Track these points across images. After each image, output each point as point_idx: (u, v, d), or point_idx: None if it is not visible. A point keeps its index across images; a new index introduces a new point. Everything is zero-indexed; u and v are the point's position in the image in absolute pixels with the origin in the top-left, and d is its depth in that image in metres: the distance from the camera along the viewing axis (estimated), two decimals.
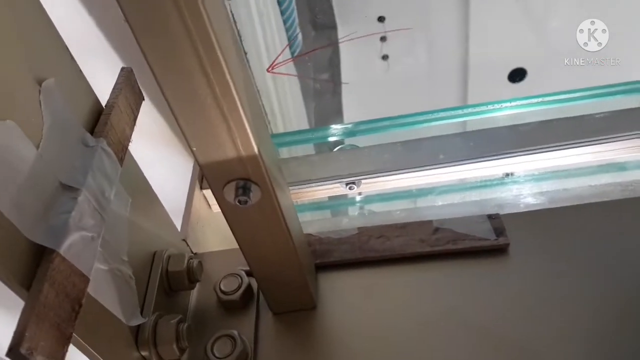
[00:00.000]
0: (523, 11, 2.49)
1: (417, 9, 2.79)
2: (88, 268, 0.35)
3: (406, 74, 2.92)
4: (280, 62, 0.92)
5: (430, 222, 0.52)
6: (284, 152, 1.04)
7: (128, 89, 0.44)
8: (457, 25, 2.77)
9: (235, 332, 0.46)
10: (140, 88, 0.46)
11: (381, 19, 2.96)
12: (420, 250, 0.50)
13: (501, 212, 0.61)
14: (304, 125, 1.78)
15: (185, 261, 0.47)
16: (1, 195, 0.29)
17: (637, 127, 0.51)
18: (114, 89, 0.43)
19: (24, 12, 0.35)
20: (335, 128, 0.62)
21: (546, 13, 2.43)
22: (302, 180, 0.57)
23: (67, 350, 0.32)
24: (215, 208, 0.63)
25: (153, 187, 0.50)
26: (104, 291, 0.39)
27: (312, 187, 0.57)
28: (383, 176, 0.55)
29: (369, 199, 0.82)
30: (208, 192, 0.62)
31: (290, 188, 0.57)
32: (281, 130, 1.27)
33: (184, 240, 0.54)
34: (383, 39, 3.01)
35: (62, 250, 0.32)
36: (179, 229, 0.57)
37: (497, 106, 0.58)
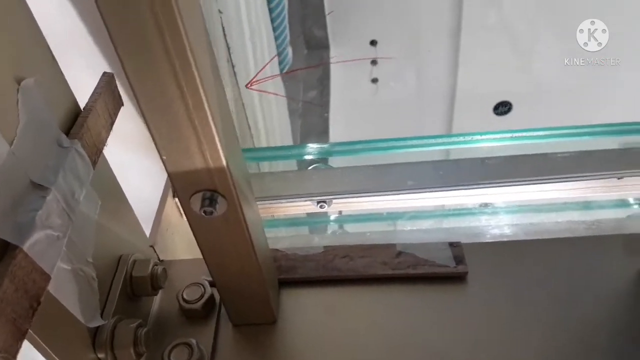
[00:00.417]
0: (511, 47, 2.55)
1: (409, 35, 2.85)
2: (50, 266, 0.36)
3: (394, 98, 2.96)
4: (259, 79, 0.94)
5: (394, 245, 0.54)
6: (265, 166, 1.05)
7: (108, 93, 0.45)
8: (447, 55, 2.83)
9: (194, 341, 0.47)
10: (122, 93, 0.47)
11: (373, 43, 3.01)
12: (382, 273, 0.52)
13: (467, 241, 0.63)
14: (288, 140, 1.80)
15: (150, 267, 0.48)
16: None
17: (596, 169, 0.53)
18: (93, 92, 0.44)
19: (8, 10, 0.36)
20: (312, 147, 0.63)
21: (532, 50, 2.49)
22: (275, 195, 0.58)
23: (20, 346, 0.33)
24: None
25: (127, 191, 0.51)
26: (65, 291, 0.39)
27: (284, 203, 0.58)
28: (353, 197, 0.56)
29: (343, 219, 0.83)
30: None
31: (263, 202, 0.58)
32: (264, 144, 1.28)
33: (151, 246, 0.54)
34: (374, 62, 3.06)
35: (26, 247, 0.33)
36: (148, 235, 0.57)
37: (467, 138, 0.60)
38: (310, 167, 0.64)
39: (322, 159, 0.63)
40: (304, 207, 0.59)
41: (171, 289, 0.52)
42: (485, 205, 0.77)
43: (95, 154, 0.43)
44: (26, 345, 0.34)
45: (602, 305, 0.50)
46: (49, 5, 0.55)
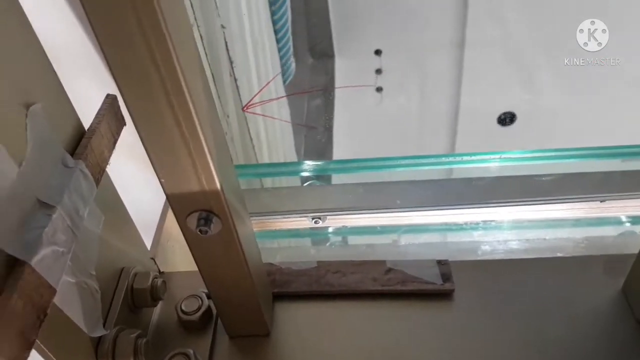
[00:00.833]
0: (515, 60, 2.57)
1: (414, 45, 2.87)
2: (56, 280, 0.38)
3: (398, 106, 2.99)
4: (256, 103, 0.96)
5: (384, 262, 0.56)
6: (267, 181, 1.07)
7: (111, 115, 0.47)
8: (451, 65, 2.85)
9: (191, 351, 0.49)
10: (125, 112, 0.50)
11: (378, 52, 3.04)
12: (372, 289, 0.54)
13: (460, 257, 0.65)
14: (291, 151, 1.82)
15: (150, 280, 0.50)
16: None
17: (579, 192, 0.55)
18: (97, 114, 0.46)
19: (15, 37, 0.39)
20: (309, 164, 0.66)
21: (535, 62, 2.51)
22: (271, 211, 0.60)
23: (28, 355, 0.35)
24: None
25: (129, 202, 0.54)
26: (70, 302, 0.42)
27: (280, 218, 0.60)
28: (345, 214, 0.58)
29: (341, 232, 0.85)
30: None
31: (259, 218, 0.61)
32: (266, 157, 1.31)
33: (152, 258, 0.57)
34: (378, 71, 3.08)
35: (33, 262, 0.36)
36: (149, 247, 0.60)
37: (458, 158, 0.62)
38: (305, 184, 0.67)
39: (321, 175, 0.65)
40: (299, 222, 0.61)
41: (170, 300, 0.54)
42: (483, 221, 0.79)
43: (99, 173, 0.45)
44: (32, 353, 0.37)
45: (585, 323, 0.52)
46: (56, 25, 0.58)
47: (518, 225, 0.75)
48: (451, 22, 2.64)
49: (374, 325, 0.52)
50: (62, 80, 0.45)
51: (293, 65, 1.64)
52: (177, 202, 0.39)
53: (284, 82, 1.58)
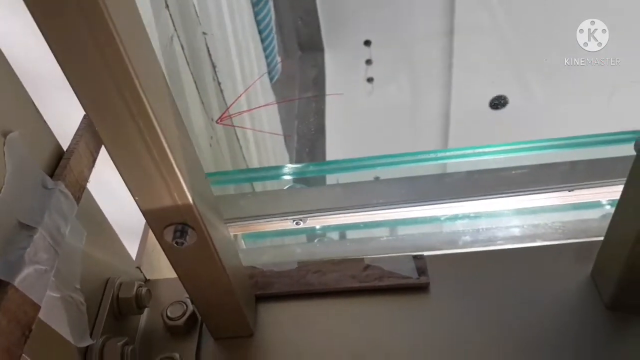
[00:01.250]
0: (504, 45, 2.58)
1: (403, 35, 2.88)
2: (40, 297, 0.40)
3: (390, 96, 3.00)
4: (232, 114, 0.98)
5: (362, 259, 0.58)
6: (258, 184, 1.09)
7: (89, 134, 0.49)
8: (441, 52, 2.86)
9: (177, 355, 0.51)
10: None
11: (367, 43, 3.05)
12: (351, 286, 0.56)
13: (440, 247, 0.67)
14: (282, 150, 1.83)
15: (135, 288, 0.52)
16: None
17: (547, 183, 0.57)
18: (75, 135, 0.48)
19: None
20: (288, 167, 0.67)
21: (525, 48, 2.52)
22: (253, 215, 0.62)
23: None
24: None
25: (115, 212, 0.55)
26: (55, 316, 0.44)
27: (262, 222, 0.62)
28: (324, 215, 0.60)
29: (325, 229, 0.87)
30: None
31: (242, 223, 0.63)
32: (255, 159, 1.32)
33: (138, 267, 0.59)
34: (368, 62, 3.10)
35: (16, 282, 0.38)
36: (134, 254, 0.62)
37: (432, 155, 0.64)
38: (286, 187, 0.69)
39: (303, 178, 0.67)
40: (281, 224, 0.63)
41: (156, 307, 0.56)
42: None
43: (79, 191, 0.47)
44: None
45: (557, 310, 0.54)
46: (29, 48, 0.59)
47: (495, 214, 0.77)
48: (439, 10, 2.65)
49: (354, 321, 0.55)
50: (40, 101, 0.46)
51: (279, 64, 1.65)
52: (152, 217, 0.41)
53: (271, 80, 1.60)
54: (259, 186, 0.94)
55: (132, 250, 0.63)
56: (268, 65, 1.53)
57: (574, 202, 0.61)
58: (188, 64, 0.91)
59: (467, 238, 0.76)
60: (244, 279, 0.55)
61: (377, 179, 0.70)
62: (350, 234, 0.86)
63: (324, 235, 0.88)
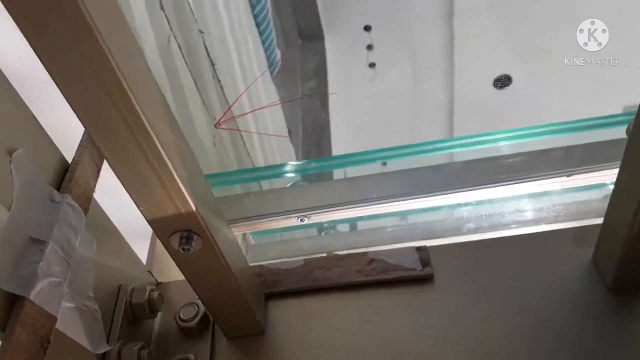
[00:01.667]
0: (505, 24, 2.56)
1: (403, 19, 2.87)
2: (56, 309, 0.41)
3: (392, 81, 2.99)
4: (234, 116, 0.98)
5: (366, 253, 0.59)
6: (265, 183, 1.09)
7: (92, 146, 0.50)
8: (442, 33, 2.85)
9: (192, 356, 0.53)
10: None
11: (367, 28, 3.04)
12: (356, 280, 0.57)
13: (443, 235, 0.68)
14: (286, 144, 1.83)
15: (147, 293, 0.54)
16: None
17: (545, 169, 0.57)
18: (78, 147, 0.49)
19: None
20: (291, 165, 0.68)
21: (526, 26, 2.50)
22: (257, 215, 0.63)
23: None
24: None
25: (122, 216, 0.57)
26: (72, 326, 0.45)
27: (266, 222, 0.63)
28: (327, 212, 0.61)
29: (331, 222, 0.89)
30: None
31: (246, 223, 0.64)
32: (260, 155, 1.33)
33: (149, 271, 0.60)
34: (369, 47, 3.09)
35: (32, 296, 0.39)
36: (144, 258, 0.63)
37: (430, 146, 0.64)
38: (288, 185, 0.70)
39: (306, 175, 0.68)
40: (286, 222, 0.65)
41: (169, 310, 0.58)
42: None
43: (86, 202, 0.49)
44: None
45: (560, 294, 0.55)
46: (23, 58, 0.60)
47: (498, 200, 0.77)
48: None
49: (360, 314, 0.56)
50: (39, 113, 0.48)
51: (278, 55, 1.66)
52: (157, 226, 0.43)
53: (271, 73, 1.60)
54: (265, 184, 0.95)
55: (142, 254, 0.64)
56: (267, 58, 1.53)
57: (573, 186, 0.62)
58: (186, 64, 0.92)
59: (471, 225, 0.77)
60: (252, 279, 0.56)
61: (384, 164, 0.70)
62: (360, 224, 0.87)
63: (331, 228, 0.89)
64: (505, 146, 0.68)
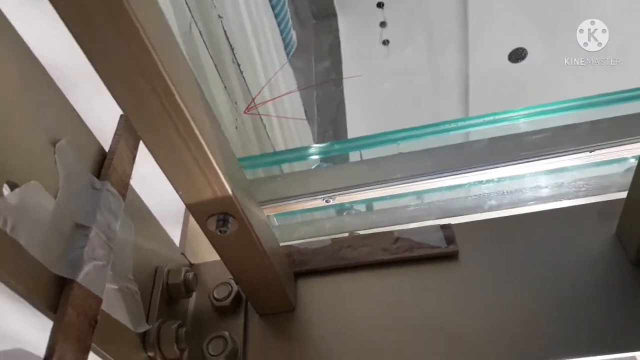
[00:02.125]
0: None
1: None
2: (101, 290, 0.44)
3: (407, 58, 2.97)
4: (256, 104, 1.00)
5: (392, 232, 0.60)
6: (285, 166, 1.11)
7: (127, 133, 0.52)
8: (456, 7, 2.82)
9: (227, 333, 0.55)
10: None
11: (380, 5, 3.02)
12: (383, 258, 0.59)
13: (466, 212, 0.70)
14: (302, 123, 1.85)
15: (182, 274, 0.56)
16: (32, 243, 0.38)
17: (567, 146, 0.58)
18: (114, 135, 0.51)
19: (38, 87, 0.44)
20: (314, 147, 0.70)
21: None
22: (284, 197, 0.65)
23: (87, 357, 0.41)
24: None
25: (155, 201, 0.59)
26: (115, 306, 0.48)
27: (293, 203, 0.65)
28: (352, 192, 0.63)
29: (354, 202, 0.90)
30: None
31: (274, 204, 0.66)
32: (277, 132, 1.35)
33: (182, 253, 0.63)
34: (383, 24, 3.06)
35: (80, 279, 0.41)
36: (177, 242, 0.66)
37: (453, 125, 0.65)
38: (313, 167, 0.71)
39: (330, 157, 0.70)
40: (312, 203, 0.66)
41: (203, 290, 0.60)
42: None
43: (124, 188, 0.51)
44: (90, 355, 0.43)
45: (584, 269, 0.57)
46: (63, 49, 0.62)
47: (519, 176, 0.78)
48: None
49: (387, 291, 0.58)
50: (76, 103, 0.49)
51: (294, 37, 1.66)
52: (196, 210, 0.44)
53: (287, 55, 1.61)
54: (286, 167, 0.97)
55: (174, 236, 0.67)
56: (283, 40, 1.54)
57: (595, 161, 0.62)
58: (208, 49, 0.93)
59: (493, 202, 0.78)
60: (283, 258, 0.58)
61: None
62: (378, 205, 0.89)
63: (351, 208, 0.91)
64: (523, 123, 0.69)
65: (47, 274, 0.40)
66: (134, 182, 0.56)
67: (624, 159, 0.87)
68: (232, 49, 1.05)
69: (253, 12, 1.25)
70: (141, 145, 0.55)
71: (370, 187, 0.62)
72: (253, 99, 0.98)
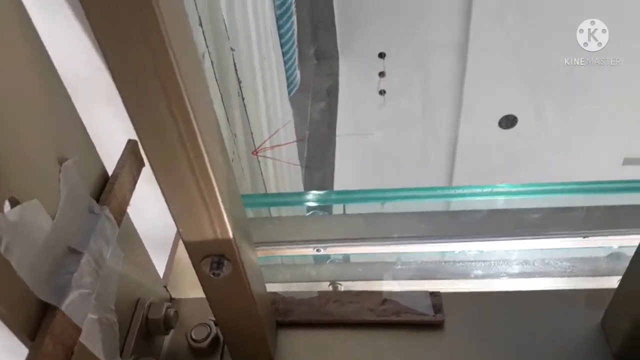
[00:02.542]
0: (516, 64, 2.60)
1: (417, 49, 2.91)
2: (82, 320, 0.42)
3: (401, 110, 3.03)
4: (257, 148, 1.00)
5: (380, 293, 0.60)
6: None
7: (132, 159, 0.51)
8: (454, 69, 2.89)
9: None
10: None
11: (382, 55, 3.08)
12: (368, 319, 0.58)
13: (453, 278, 0.69)
14: (293, 153, 1.85)
15: (164, 310, 0.54)
16: (23, 264, 0.37)
17: (563, 229, 0.59)
18: (119, 160, 0.50)
19: (56, 102, 0.43)
20: (313, 194, 0.70)
21: (537, 66, 2.55)
22: (277, 241, 0.64)
23: None
24: None
25: (145, 221, 0.57)
26: (92, 337, 0.46)
27: (284, 248, 0.64)
28: (345, 245, 0.63)
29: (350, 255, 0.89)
30: None
31: (265, 248, 0.65)
32: (270, 165, 1.34)
33: (164, 286, 0.61)
34: (382, 74, 3.13)
35: (64, 307, 0.40)
36: (161, 271, 0.64)
37: (454, 191, 0.66)
38: (308, 214, 0.71)
39: (325, 206, 0.70)
40: (303, 250, 0.66)
41: (181, 328, 0.58)
42: None
43: (121, 215, 0.49)
44: None
45: (567, 354, 0.56)
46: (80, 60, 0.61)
47: (508, 251, 0.79)
48: (455, 25, 2.68)
49: (369, 354, 0.57)
50: (86, 120, 0.48)
51: (298, 76, 1.68)
52: (193, 248, 0.44)
53: (289, 93, 1.62)
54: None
55: (159, 263, 0.65)
56: (287, 78, 1.55)
57: (586, 246, 0.63)
58: (216, 80, 0.94)
59: (479, 272, 0.78)
60: (268, 306, 0.57)
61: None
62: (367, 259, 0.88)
63: (339, 258, 0.90)
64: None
65: (31, 298, 0.38)
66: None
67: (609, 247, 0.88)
68: (240, 82, 1.05)
69: (263, 48, 1.26)
70: (146, 171, 0.54)
71: (366, 243, 0.61)
72: (262, 143, 0.98)
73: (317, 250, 0.65)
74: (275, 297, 0.60)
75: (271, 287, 0.75)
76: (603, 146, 2.87)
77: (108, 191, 0.48)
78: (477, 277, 0.81)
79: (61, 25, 0.63)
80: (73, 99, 0.46)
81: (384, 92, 2.96)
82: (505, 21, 2.55)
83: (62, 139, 0.43)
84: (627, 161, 3.04)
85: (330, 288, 0.85)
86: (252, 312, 0.50)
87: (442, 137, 3.04)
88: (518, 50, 2.63)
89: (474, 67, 2.76)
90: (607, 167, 2.92)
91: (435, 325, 0.58)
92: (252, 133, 1.16)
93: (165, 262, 0.71)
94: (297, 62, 1.61)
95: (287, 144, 1.29)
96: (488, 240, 0.60)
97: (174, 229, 0.64)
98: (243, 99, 1.08)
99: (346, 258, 0.99)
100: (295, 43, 1.53)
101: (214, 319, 0.57)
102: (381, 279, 0.83)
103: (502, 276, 0.81)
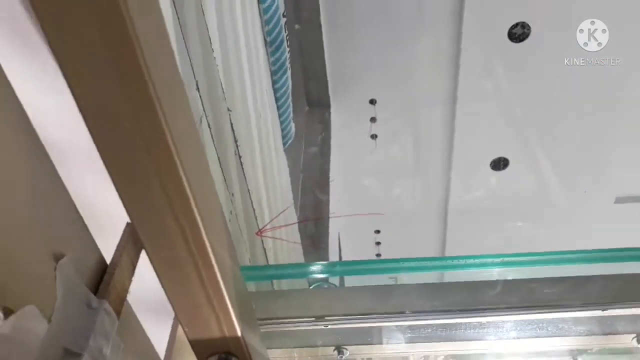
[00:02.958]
0: (505, 109, 2.64)
1: (408, 95, 2.96)
2: None
3: (392, 154, 3.05)
4: (261, 229, 0.99)
5: None
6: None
7: (130, 244, 0.49)
8: (445, 113, 2.93)
9: None
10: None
11: (372, 102, 3.12)
12: None
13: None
14: (291, 213, 1.83)
15: None
16: None
17: (579, 300, 0.57)
18: (117, 246, 0.48)
19: (50, 195, 0.41)
20: (317, 265, 0.67)
21: (525, 113, 2.59)
22: (282, 317, 0.61)
23: None
24: None
25: (143, 292, 0.54)
26: None
27: (288, 325, 0.62)
28: (355, 322, 0.60)
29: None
30: None
31: (270, 326, 0.62)
32: (264, 200, 1.32)
33: None
34: (373, 119, 3.16)
35: None
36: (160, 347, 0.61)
37: (462, 262, 0.64)
38: (312, 286, 0.68)
39: (325, 277, 0.67)
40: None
41: None
42: None
43: (120, 305, 0.47)
44: None
45: None
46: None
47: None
48: (444, 73, 2.73)
49: None
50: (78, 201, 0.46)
51: (293, 129, 1.68)
52: (199, 346, 0.41)
53: (284, 145, 1.61)
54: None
55: (159, 339, 0.62)
56: (282, 130, 1.55)
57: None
58: (213, 142, 0.92)
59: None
60: None
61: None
62: None
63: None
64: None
65: None
66: None
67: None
68: (236, 142, 1.04)
69: (259, 105, 1.26)
70: None
71: (376, 320, 0.59)
72: (270, 221, 0.96)
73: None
74: None
75: (272, 353, 0.72)
76: (594, 185, 2.90)
77: (107, 282, 0.45)
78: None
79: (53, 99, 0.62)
80: (62, 177, 0.44)
81: (376, 136, 2.99)
82: (494, 71, 2.61)
83: (57, 234, 0.41)
84: (619, 200, 3.07)
85: (336, 353, 0.82)
86: None
87: (435, 180, 3.05)
88: (509, 100, 2.68)
89: (464, 111, 2.79)
90: (600, 205, 2.95)
91: None
92: (249, 191, 1.14)
93: (166, 337, 0.68)
94: (291, 115, 1.61)
95: (290, 224, 1.28)
96: (502, 314, 0.57)
97: None
98: (240, 157, 1.07)
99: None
100: (290, 97, 1.54)
101: None
102: (388, 343, 0.80)
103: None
